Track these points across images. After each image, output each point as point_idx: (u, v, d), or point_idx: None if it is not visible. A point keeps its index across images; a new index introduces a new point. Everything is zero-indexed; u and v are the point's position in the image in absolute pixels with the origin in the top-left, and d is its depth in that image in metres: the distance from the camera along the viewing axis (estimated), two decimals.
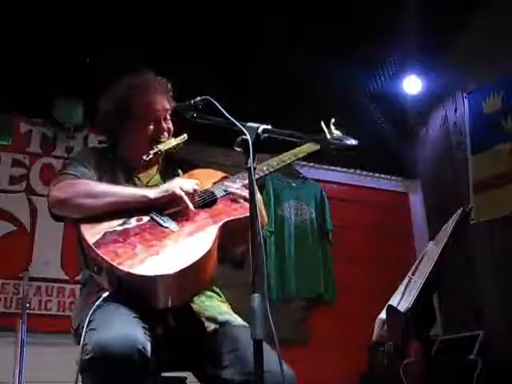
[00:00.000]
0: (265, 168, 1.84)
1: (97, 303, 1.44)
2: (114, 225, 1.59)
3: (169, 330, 1.59)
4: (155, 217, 1.64)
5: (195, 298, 1.68)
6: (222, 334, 1.63)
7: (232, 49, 3.79)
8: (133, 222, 1.61)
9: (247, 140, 1.37)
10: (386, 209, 4.84)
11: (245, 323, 1.64)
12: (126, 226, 1.59)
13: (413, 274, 2.91)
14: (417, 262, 3.05)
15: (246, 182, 1.70)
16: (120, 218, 1.61)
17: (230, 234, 1.65)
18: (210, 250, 1.54)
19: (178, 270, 1.46)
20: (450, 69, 4.51)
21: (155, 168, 1.91)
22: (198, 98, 1.52)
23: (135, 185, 1.80)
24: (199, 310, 1.66)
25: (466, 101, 4.45)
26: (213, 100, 1.48)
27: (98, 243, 1.51)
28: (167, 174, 1.89)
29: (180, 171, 1.91)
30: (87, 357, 1.31)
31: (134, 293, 1.47)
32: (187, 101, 1.56)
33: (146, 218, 1.63)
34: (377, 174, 4.97)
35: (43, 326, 3.34)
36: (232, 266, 1.81)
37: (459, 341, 3.89)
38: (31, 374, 2.93)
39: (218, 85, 3.00)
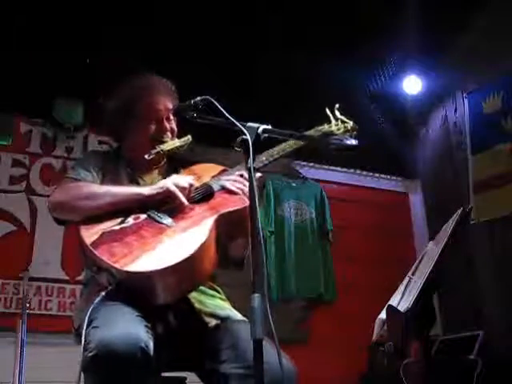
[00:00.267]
0: (264, 158, 1.84)
1: (96, 301, 1.45)
2: (112, 224, 1.61)
3: (170, 329, 1.60)
4: (152, 214, 1.65)
5: (197, 297, 1.69)
6: (222, 329, 1.64)
7: (232, 49, 3.79)
8: (130, 220, 1.63)
9: (247, 140, 1.37)
10: (386, 209, 4.84)
11: (245, 319, 1.65)
12: (124, 225, 1.61)
13: (413, 274, 2.91)
14: (417, 262, 3.04)
15: (241, 172, 1.74)
16: (118, 217, 1.63)
17: (226, 227, 1.66)
18: (204, 242, 1.55)
19: (171, 264, 1.47)
20: (449, 69, 4.51)
21: (158, 169, 1.92)
22: (198, 98, 1.53)
23: (138, 185, 1.82)
24: (200, 308, 1.68)
25: (465, 101, 4.45)
26: (213, 100, 1.48)
27: (95, 243, 1.54)
28: (169, 175, 1.89)
29: (182, 170, 1.92)
30: (90, 354, 1.32)
31: (132, 290, 1.48)
32: (187, 101, 1.56)
33: (143, 216, 1.65)
34: (377, 174, 4.97)
35: (43, 325, 3.34)
36: (233, 267, 1.82)
37: (459, 341, 3.89)
38: (31, 374, 2.94)
39: (218, 85, 3.00)
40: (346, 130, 1.83)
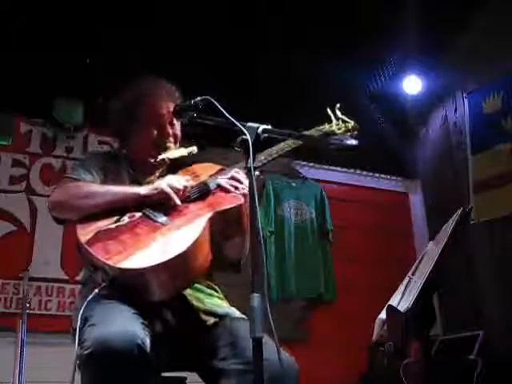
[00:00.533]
0: (263, 157, 1.84)
1: (89, 298, 1.45)
2: (108, 223, 1.63)
3: (168, 327, 1.61)
4: (147, 212, 1.67)
5: (194, 295, 1.70)
6: (221, 326, 1.65)
7: (232, 49, 3.79)
8: (125, 219, 1.65)
9: (247, 140, 1.37)
10: (386, 209, 4.84)
11: (244, 316, 1.65)
12: (119, 224, 1.63)
13: (413, 274, 2.91)
14: (417, 262, 3.05)
15: (237, 170, 1.75)
16: (114, 215, 1.65)
17: (222, 225, 1.67)
18: (197, 239, 1.55)
19: (163, 260, 1.48)
20: (450, 69, 4.52)
21: (159, 171, 1.92)
22: (198, 98, 1.53)
23: (140, 186, 1.82)
24: (198, 306, 1.68)
25: (465, 101, 4.45)
26: (213, 100, 1.48)
27: (90, 242, 1.56)
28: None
29: (179, 171, 1.92)
30: (87, 352, 1.32)
31: (126, 287, 1.49)
32: (187, 101, 1.56)
33: (138, 215, 1.67)
34: (377, 174, 4.97)
35: (43, 325, 3.34)
36: (230, 269, 1.82)
37: (459, 341, 3.89)
38: (31, 374, 2.94)
39: (218, 85, 3.00)
40: (347, 130, 1.83)
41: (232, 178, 1.76)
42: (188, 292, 1.68)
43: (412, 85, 4.70)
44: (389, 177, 5.04)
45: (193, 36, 3.68)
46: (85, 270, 1.73)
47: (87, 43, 3.57)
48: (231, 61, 3.84)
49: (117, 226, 1.62)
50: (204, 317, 1.67)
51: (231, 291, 1.97)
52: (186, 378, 1.79)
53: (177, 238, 1.58)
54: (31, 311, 3.28)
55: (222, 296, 1.81)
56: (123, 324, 1.37)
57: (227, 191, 1.73)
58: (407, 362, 2.62)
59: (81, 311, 1.43)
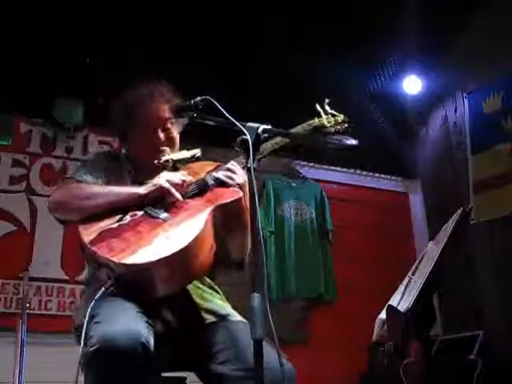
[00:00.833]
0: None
1: (97, 296, 1.46)
2: (110, 223, 1.64)
3: (170, 325, 1.62)
4: (148, 210, 1.68)
5: (197, 292, 1.71)
6: (221, 328, 1.65)
7: (232, 49, 3.79)
8: (127, 217, 1.66)
9: (247, 140, 1.37)
10: (386, 209, 4.84)
11: (245, 320, 1.66)
12: (121, 223, 1.64)
13: (413, 274, 2.91)
14: (417, 262, 3.05)
15: (231, 163, 1.76)
16: (116, 215, 1.66)
17: (222, 219, 1.67)
18: (199, 234, 1.56)
19: (166, 255, 1.49)
20: (450, 69, 4.52)
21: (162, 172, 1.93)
22: (198, 98, 1.53)
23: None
24: (200, 303, 1.70)
25: (465, 101, 4.45)
26: (213, 100, 1.49)
27: (93, 241, 1.56)
28: None
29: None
30: (92, 349, 1.33)
31: (130, 283, 1.50)
32: (187, 101, 1.56)
33: (139, 213, 1.68)
34: (377, 174, 4.97)
35: (43, 325, 3.34)
36: (234, 267, 1.83)
37: (459, 341, 3.89)
38: (31, 374, 2.94)
39: (218, 85, 3.00)
40: (337, 123, 1.82)
41: (227, 169, 1.77)
42: (191, 290, 1.70)
43: (412, 85, 4.70)
44: (389, 177, 5.04)
45: (193, 36, 3.68)
46: (88, 269, 1.74)
47: (87, 43, 3.57)
48: (231, 61, 3.84)
49: (119, 225, 1.63)
50: (204, 315, 1.68)
51: (232, 290, 1.98)
52: (185, 378, 1.79)
53: (179, 232, 1.58)
54: (31, 311, 3.28)
55: (223, 298, 1.82)
56: (128, 322, 1.38)
57: (224, 184, 1.73)
58: (407, 362, 2.62)
59: (89, 309, 1.44)
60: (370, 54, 4.13)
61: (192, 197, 1.74)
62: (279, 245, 4.26)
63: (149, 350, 1.36)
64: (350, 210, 4.67)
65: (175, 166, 1.91)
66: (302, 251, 4.31)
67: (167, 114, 1.85)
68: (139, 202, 1.69)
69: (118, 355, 1.31)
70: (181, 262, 1.53)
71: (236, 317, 1.72)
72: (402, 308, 2.65)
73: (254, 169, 1.36)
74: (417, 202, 5.05)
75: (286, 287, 4.16)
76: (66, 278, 3.57)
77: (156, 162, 1.81)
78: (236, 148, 1.41)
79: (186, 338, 1.63)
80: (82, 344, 1.38)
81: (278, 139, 1.80)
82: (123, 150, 2.00)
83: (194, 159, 1.87)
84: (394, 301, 2.85)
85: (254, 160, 1.35)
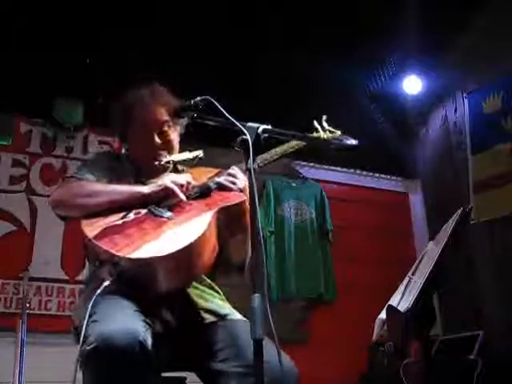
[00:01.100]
0: (259, 161, 1.85)
1: (97, 292, 1.45)
2: (114, 219, 1.64)
3: (169, 324, 1.62)
4: (152, 209, 1.68)
5: (196, 292, 1.71)
6: (221, 327, 1.65)
7: (232, 49, 3.79)
8: (131, 215, 1.66)
9: (247, 140, 1.37)
10: (386, 209, 4.84)
11: (245, 318, 1.66)
12: (125, 220, 1.64)
13: (413, 274, 2.91)
14: (417, 262, 3.04)
15: (232, 168, 1.78)
16: (120, 212, 1.66)
17: (225, 221, 1.68)
18: (204, 233, 1.57)
19: (171, 251, 1.49)
20: (450, 69, 4.52)
21: (164, 174, 1.93)
22: (198, 98, 1.53)
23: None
24: (199, 303, 1.70)
25: (465, 101, 4.45)
26: (213, 100, 1.49)
27: (97, 236, 1.56)
28: None
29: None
30: (90, 347, 1.33)
31: (132, 279, 1.50)
32: (187, 101, 1.56)
33: (143, 211, 1.68)
34: (377, 174, 4.97)
35: (43, 325, 3.34)
36: (235, 271, 1.83)
37: (459, 341, 3.89)
38: (31, 374, 2.94)
39: (218, 85, 3.00)
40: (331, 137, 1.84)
41: (229, 174, 1.78)
42: (190, 290, 1.70)
43: (412, 85, 4.70)
44: (389, 177, 5.04)
45: (193, 36, 3.68)
46: (88, 268, 1.74)
47: (87, 43, 3.57)
48: (231, 61, 3.84)
49: (123, 222, 1.63)
50: (204, 314, 1.68)
51: (232, 291, 1.98)
52: (185, 378, 1.79)
53: (184, 231, 1.59)
54: (31, 311, 3.28)
55: (223, 298, 1.82)
56: (125, 321, 1.38)
57: (226, 188, 1.74)
58: (407, 362, 2.62)
59: (89, 308, 1.43)
60: (370, 54, 4.13)
61: (195, 199, 1.74)
62: (279, 245, 4.26)
63: (146, 348, 1.36)
64: (350, 210, 4.67)
65: (176, 167, 1.91)
66: (302, 251, 4.31)
67: (164, 117, 1.85)
68: (143, 201, 1.69)
69: (116, 353, 1.31)
70: (185, 260, 1.54)
71: (236, 315, 1.72)
72: (402, 308, 2.65)
73: (254, 169, 1.36)
74: (417, 202, 5.05)
75: (286, 287, 4.16)
76: (66, 278, 3.57)
77: (157, 163, 1.81)
78: (236, 148, 1.41)
79: (185, 337, 1.64)
80: (80, 343, 1.37)
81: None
82: (123, 150, 2.00)
83: (195, 161, 1.87)
84: (394, 301, 2.85)
85: (253, 160, 1.35)
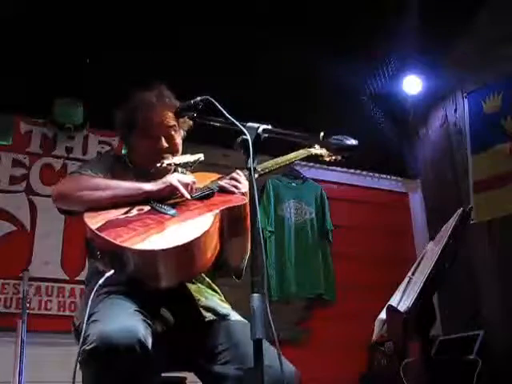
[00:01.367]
0: (259, 169, 1.87)
1: (99, 282, 1.44)
2: (117, 214, 1.63)
3: (168, 323, 1.62)
4: (156, 206, 1.68)
5: (196, 291, 1.72)
6: (221, 329, 1.66)
7: (232, 49, 3.79)
8: (134, 211, 1.66)
9: (247, 140, 1.37)
10: (386, 209, 4.84)
11: (244, 320, 1.67)
12: (128, 215, 1.64)
13: (413, 274, 2.91)
14: (417, 262, 3.04)
15: (236, 172, 1.80)
16: (122, 208, 1.66)
17: (228, 222, 1.69)
18: (208, 230, 1.57)
19: (177, 244, 1.50)
20: (450, 69, 4.52)
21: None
22: (198, 98, 1.53)
23: None
24: (200, 300, 1.70)
25: (465, 101, 4.45)
26: (213, 100, 1.49)
27: (101, 228, 1.55)
28: None
29: None
30: (89, 347, 1.33)
31: (135, 272, 1.49)
32: (187, 101, 1.57)
33: (146, 208, 1.68)
34: (377, 174, 4.97)
35: (43, 325, 3.34)
36: (232, 274, 1.84)
37: (459, 341, 3.89)
38: (31, 374, 2.94)
39: (218, 84, 3.00)
40: (330, 155, 1.98)
41: (231, 178, 1.79)
42: (190, 288, 1.71)
43: (412, 85, 4.70)
44: (389, 177, 5.03)
45: (193, 36, 3.68)
46: (89, 268, 1.74)
47: (87, 43, 3.57)
48: (231, 61, 3.84)
49: (126, 217, 1.62)
50: (204, 312, 1.68)
51: (233, 291, 1.98)
52: (185, 378, 1.80)
53: (188, 227, 1.59)
54: (31, 311, 3.28)
55: (222, 298, 1.83)
56: (125, 320, 1.39)
57: (229, 192, 1.76)
58: (407, 361, 2.62)
59: (89, 303, 1.43)
60: (369, 54, 4.13)
61: (198, 199, 1.75)
62: (279, 245, 4.26)
63: (146, 347, 1.36)
64: (350, 210, 4.67)
65: (176, 170, 1.91)
66: (302, 251, 4.31)
67: (173, 122, 1.85)
68: (146, 198, 1.69)
69: (116, 353, 1.31)
70: (188, 255, 1.54)
71: (235, 316, 1.72)
72: (402, 308, 2.65)
73: (255, 169, 1.36)
74: (417, 202, 5.05)
75: (286, 287, 4.16)
76: (66, 277, 3.57)
77: (159, 165, 1.81)
78: (236, 148, 1.41)
79: (185, 337, 1.64)
80: (80, 343, 1.38)
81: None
82: (123, 151, 2.00)
83: (196, 163, 1.88)
84: (393, 301, 2.85)
85: (253, 160, 1.35)
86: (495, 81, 4.22)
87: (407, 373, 2.60)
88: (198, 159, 1.87)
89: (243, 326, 1.63)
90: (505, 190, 4.02)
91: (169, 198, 1.71)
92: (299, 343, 3.94)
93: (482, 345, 3.63)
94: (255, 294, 1.22)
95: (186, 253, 1.53)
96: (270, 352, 1.24)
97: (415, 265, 3.01)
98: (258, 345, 1.19)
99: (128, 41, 3.60)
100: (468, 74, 4.39)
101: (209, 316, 1.68)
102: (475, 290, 4.19)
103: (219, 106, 1.45)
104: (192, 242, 1.52)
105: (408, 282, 2.90)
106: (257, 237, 1.29)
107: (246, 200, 1.70)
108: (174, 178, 1.71)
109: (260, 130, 1.42)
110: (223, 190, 1.77)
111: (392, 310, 2.73)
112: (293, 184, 4.48)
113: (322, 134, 1.65)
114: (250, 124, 1.43)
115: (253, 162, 1.34)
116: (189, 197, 1.71)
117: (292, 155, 1.96)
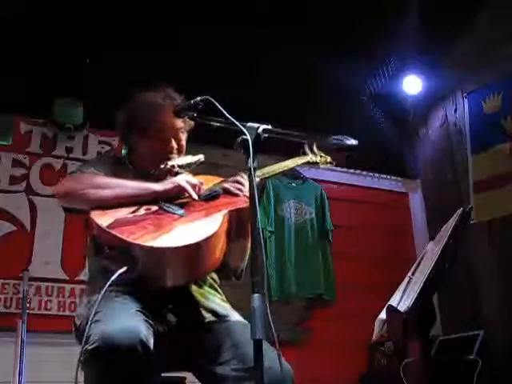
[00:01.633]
0: (259, 174, 1.87)
1: (112, 278, 1.43)
2: (126, 212, 1.63)
3: (170, 324, 1.62)
4: (164, 206, 1.69)
5: (198, 292, 1.72)
6: (221, 329, 1.66)
7: (232, 49, 3.79)
8: (142, 210, 1.66)
9: (247, 140, 1.37)
10: (386, 209, 4.84)
11: (244, 320, 1.67)
12: (136, 214, 1.64)
13: (413, 274, 2.91)
14: (417, 262, 3.04)
15: (240, 175, 1.81)
16: (130, 207, 1.66)
17: (234, 224, 1.70)
18: (217, 231, 1.58)
19: (189, 243, 1.50)
20: (450, 69, 4.52)
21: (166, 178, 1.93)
22: (198, 98, 1.53)
23: None
24: (201, 301, 1.71)
25: (465, 101, 4.45)
26: (213, 100, 1.49)
27: (110, 226, 1.55)
28: None
29: None
30: (91, 347, 1.33)
31: (145, 269, 1.49)
32: (187, 101, 1.56)
33: (154, 208, 1.68)
34: (377, 174, 4.97)
35: (43, 325, 3.34)
36: (232, 275, 1.85)
37: (459, 341, 3.89)
38: (31, 374, 2.94)
39: (219, 84, 3.00)
40: (326, 162, 2.03)
41: (235, 181, 1.80)
42: (193, 288, 1.71)
43: (412, 85, 4.70)
44: (389, 177, 5.04)
45: (193, 36, 3.68)
46: (92, 265, 1.73)
47: (87, 43, 3.57)
48: (231, 61, 3.84)
49: (134, 216, 1.62)
50: (204, 313, 1.68)
51: (233, 291, 1.98)
52: (185, 378, 1.80)
53: (197, 227, 1.60)
54: (31, 311, 3.27)
55: (224, 298, 1.83)
56: (126, 320, 1.39)
57: (233, 194, 1.76)
58: (407, 361, 2.62)
59: (94, 308, 1.43)
60: (369, 54, 4.13)
61: (205, 200, 1.76)
62: (279, 245, 4.26)
63: (148, 347, 1.36)
64: (350, 210, 4.67)
65: (177, 172, 1.91)
66: (302, 251, 4.31)
67: (181, 123, 1.85)
68: (154, 198, 1.69)
69: (118, 353, 1.31)
70: (199, 254, 1.55)
71: (235, 317, 1.72)
72: (401, 308, 2.65)
73: (255, 168, 1.36)
74: (417, 202, 5.05)
75: (286, 287, 4.16)
76: (66, 278, 3.57)
77: (162, 166, 1.81)
78: (236, 148, 1.41)
79: (185, 337, 1.64)
80: (82, 343, 1.38)
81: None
82: (123, 151, 1.99)
83: (197, 164, 1.88)
84: (393, 301, 2.85)
85: (253, 160, 1.35)
86: (495, 81, 4.22)
87: (407, 373, 2.60)
88: (199, 160, 1.88)
89: (243, 327, 1.63)
90: (505, 190, 4.02)
91: (176, 199, 1.72)
92: (299, 343, 3.94)
93: (481, 345, 3.63)
94: (255, 295, 1.22)
95: (196, 252, 1.53)
96: (269, 353, 1.24)
97: (415, 265, 3.01)
98: (257, 345, 1.19)
99: (128, 41, 3.60)
100: (468, 74, 4.39)
101: (209, 317, 1.68)
102: (475, 290, 4.19)
103: (219, 106, 1.45)
104: (203, 241, 1.53)
105: (408, 282, 2.90)
106: (257, 237, 1.29)
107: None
108: (182, 179, 1.72)
109: (260, 129, 1.42)
110: (228, 192, 1.78)
111: (392, 310, 2.73)
112: (293, 184, 4.48)
113: (315, 144, 1.68)
114: (249, 124, 1.43)
115: (253, 162, 1.34)
116: (196, 198, 1.71)
117: (289, 162, 1.97)
